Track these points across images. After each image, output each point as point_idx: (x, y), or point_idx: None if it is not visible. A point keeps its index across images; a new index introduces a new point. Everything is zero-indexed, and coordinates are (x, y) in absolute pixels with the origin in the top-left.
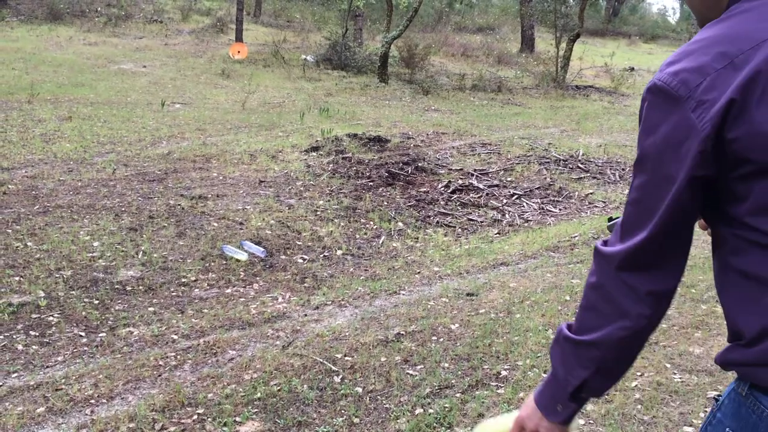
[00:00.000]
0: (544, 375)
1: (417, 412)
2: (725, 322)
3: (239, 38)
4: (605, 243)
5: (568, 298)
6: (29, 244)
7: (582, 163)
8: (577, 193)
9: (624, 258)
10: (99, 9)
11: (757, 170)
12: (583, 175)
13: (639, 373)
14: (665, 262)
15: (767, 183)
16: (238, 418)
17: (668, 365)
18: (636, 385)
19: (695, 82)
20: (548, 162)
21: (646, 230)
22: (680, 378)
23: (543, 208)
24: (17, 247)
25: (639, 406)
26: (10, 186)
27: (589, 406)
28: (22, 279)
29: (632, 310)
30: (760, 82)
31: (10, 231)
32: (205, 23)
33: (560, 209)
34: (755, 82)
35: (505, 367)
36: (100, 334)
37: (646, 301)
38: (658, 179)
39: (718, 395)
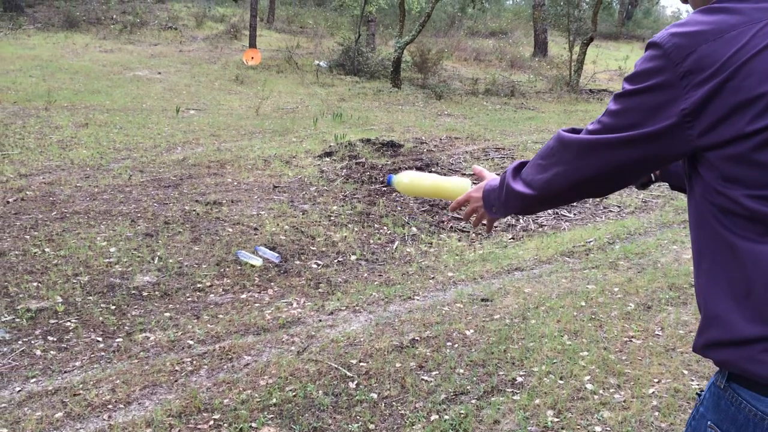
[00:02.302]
0: (560, 380)
1: (432, 418)
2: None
3: (253, 44)
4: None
5: (583, 303)
6: (47, 249)
7: None
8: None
9: (580, 142)
10: (114, 16)
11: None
12: None
13: (656, 380)
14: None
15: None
16: (254, 424)
17: (685, 372)
18: (653, 392)
19: (688, 49)
20: None
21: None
22: (698, 385)
23: (557, 213)
24: (35, 252)
25: (656, 413)
26: (28, 192)
27: (605, 413)
28: (40, 285)
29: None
30: (750, 59)
31: (28, 237)
32: (219, 30)
33: (575, 214)
34: (746, 57)
35: (521, 373)
36: (117, 340)
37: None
38: (630, 117)
39: (701, 390)
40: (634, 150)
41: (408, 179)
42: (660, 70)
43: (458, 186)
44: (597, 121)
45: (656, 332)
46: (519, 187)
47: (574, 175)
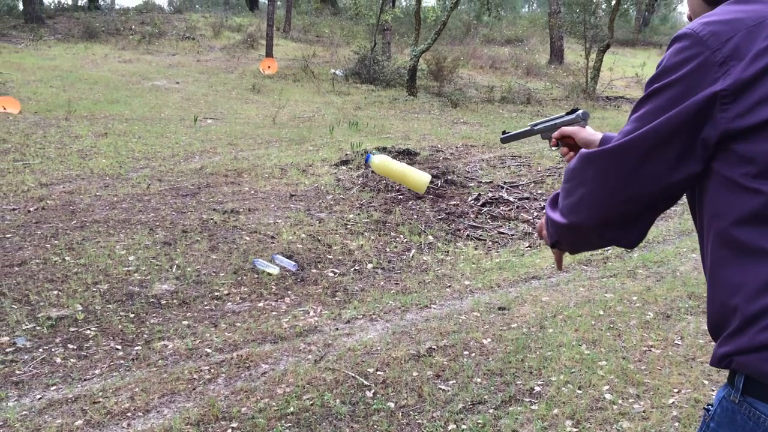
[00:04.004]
0: (579, 390)
1: (450, 428)
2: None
3: (269, 54)
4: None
5: (601, 312)
6: (67, 258)
7: None
8: None
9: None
10: (133, 27)
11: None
12: None
13: (676, 390)
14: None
15: None
16: None
17: (706, 382)
18: (673, 402)
19: (726, 35)
20: None
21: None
22: None
23: None
24: (55, 261)
25: (676, 424)
26: (48, 201)
27: (625, 424)
28: (60, 293)
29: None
30: None
31: (48, 246)
32: (236, 39)
33: None
34: None
35: (539, 382)
36: (136, 348)
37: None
38: (665, 110)
39: (709, 404)
40: (669, 146)
41: (380, 161)
42: (695, 57)
43: (419, 179)
44: (621, 133)
45: (676, 342)
46: (554, 214)
47: (601, 193)
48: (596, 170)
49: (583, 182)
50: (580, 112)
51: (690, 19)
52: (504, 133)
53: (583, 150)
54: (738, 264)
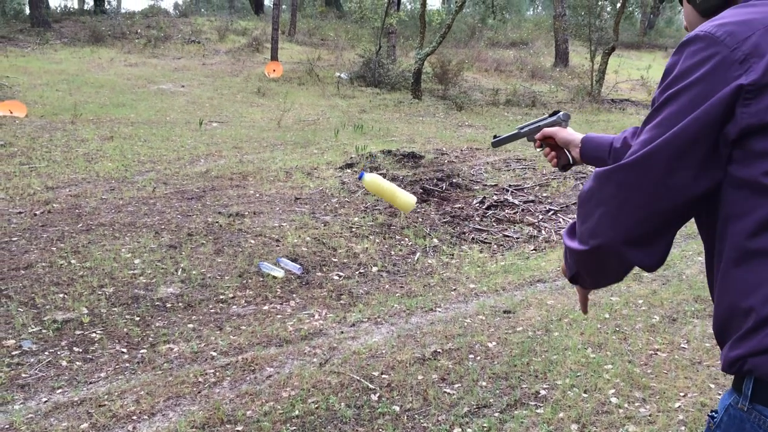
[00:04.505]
0: (584, 394)
1: (455, 431)
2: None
3: (274, 57)
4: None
5: (607, 315)
6: (73, 261)
7: None
8: None
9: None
10: (139, 31)
11: None
12: None
13: (682, 394)
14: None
15: None
16: None
17: (712, 386)
18: (679, 406)
19: (743, 34)
20: (584, 177)
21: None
22: None
23: None
24: (61, 264)
25: (683, 428)
26: (54, 205)
27: (631, 428)
28: (66, 296)
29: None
30: None
31: (54, 249)
32: (241, 43)
33: None
34: None
35: (544, 386)
36: (141, 351)
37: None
38: (688, 112)
39: (714, 411)
40: (694, 150)
41: (371, 179)
42: (713, 56)
43: (407, 200)
44: (639, 143)
45: (682, 345)
46: (572, 243)
47: (624, 208)
48: (617, 185)
49: (602, 201)
50: (561, 113)
51: (687, 29)
52: (495, 137)
53: (597, 169)
54: (755, 265)
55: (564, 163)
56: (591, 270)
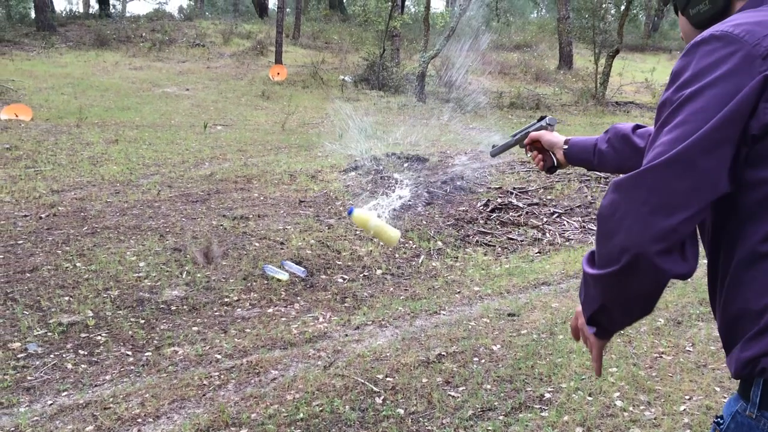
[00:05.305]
0: (589, 397)
1: None
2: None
3: (279, 60)
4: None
5: None
6: (78, 264)
7: None
8: None
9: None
10: (144, 34)
11: None
12: None
13: (687, 397)
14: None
15: None
16: None
17: (717, 389)
18: (684, 409)
19: (762, 32)
20: (588, 180)
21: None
22: None
23: (584, 227)
24: (67, 267)
25: (688, 431)
26: (60, 208)
27: (635, 431)
28: (71, 299)
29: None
30: None
31: (60, 252)
32: (245, 46)
33: None
34: None
35: (549, 389)
36: (146, 354)
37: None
38: (712, 111)
39: (719, 416)
40: (723, 147)
41: (358, 214)
42: (735, 53)
43: (392, 236)
44: (663, 144)
45: (687, 348)
46: (594, 270)
47: (657, 215)
48: (649, 189)
49: (630, 210)
50: (547, 118)
51: (683, 39)
52: (493, 146)
53: (616, 179)
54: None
55: (549, 165)
56: (621, 295)
